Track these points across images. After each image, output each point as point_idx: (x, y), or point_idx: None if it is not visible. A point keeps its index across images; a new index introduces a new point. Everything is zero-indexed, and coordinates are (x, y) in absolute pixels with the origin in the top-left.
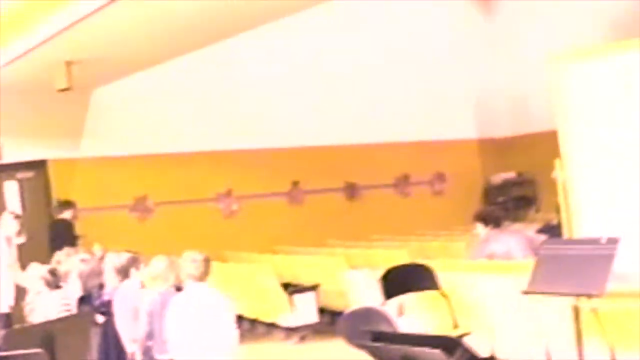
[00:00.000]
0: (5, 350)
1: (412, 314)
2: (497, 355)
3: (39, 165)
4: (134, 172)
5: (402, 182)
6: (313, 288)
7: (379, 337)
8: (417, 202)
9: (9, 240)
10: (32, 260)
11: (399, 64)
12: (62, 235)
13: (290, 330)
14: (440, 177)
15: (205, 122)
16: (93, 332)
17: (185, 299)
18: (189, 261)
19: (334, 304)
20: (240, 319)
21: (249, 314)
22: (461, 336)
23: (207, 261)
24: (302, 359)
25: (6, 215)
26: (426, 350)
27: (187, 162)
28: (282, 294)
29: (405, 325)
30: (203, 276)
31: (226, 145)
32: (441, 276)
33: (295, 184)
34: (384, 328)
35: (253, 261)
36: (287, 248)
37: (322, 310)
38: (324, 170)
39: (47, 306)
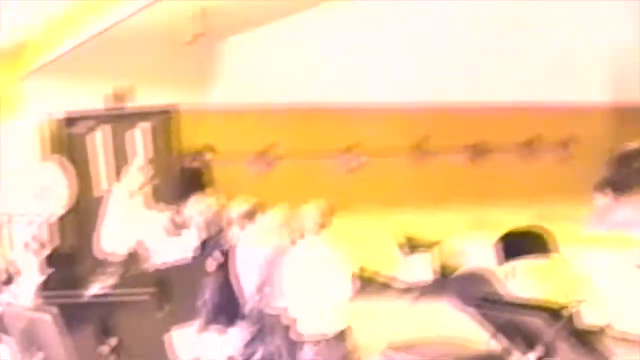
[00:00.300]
0: (120, 292)
1: (524, 278)
2: (611, 327)
3: (168, 112)
4: (261, 122)
5: (530, 145)
6: (430, 247)
7: (485, 300)
8: (544, 166)
9: (132, 192)
10: (157, 207)
11: (530, 20)
12: (192, 182)
13: (405, 288)
14: (569, 142)
15: (334, 75)
16: (211, 279)
17: (303, 250)
18: (310, 212)
19: (452, 263)
20: (355, 274)
21: (366, 268)
22: (574, 305)
23: (326, 214)
24: (415, 318)
25: (132, 167)
26: (529, 316)
27: (313, 115)
28: (399, 252)
29: (514, 289)
30: (322, 229)
31: (353, 99)
32: (559, 243)
33: (421, 141)
34: (492, 291)
35: (373, 217)
36: (409, 205)
37: (440, 270)
38: (451, 129)
39: (166, 251)
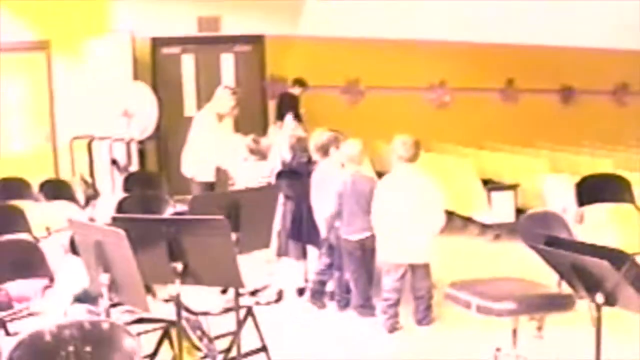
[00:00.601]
0: (191, 214)
1: (594, 223)
2: None
3: (256, 40)
4: (349, 54)
5: (621, 90)
6: (512, 187)
7: (551, 241)
8: (634, 112)
9: (220, 116)
10: (243, 133)
11: None
12: (288, 108)
13: (486, 227)
14: None
15: (423, 11)
16: (288, 206)
17: (394, 179)
18: (400, 143)
19: (532, 204)
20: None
21: (448, 205)
22: None
23: (417, 144)
24: (494, 256)
25: (222, 90)
26: (594, 259)
27: (403, 50)
28: (481, 190)
29: (583, 233)
30: (413, 158)
31: (443, 36)
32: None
33: (510, 81)
34: (560, 233)
35: (458, 154)
36: (495, 144)
37: (519, 210)
38: (541, 70)
39: (248, 176)
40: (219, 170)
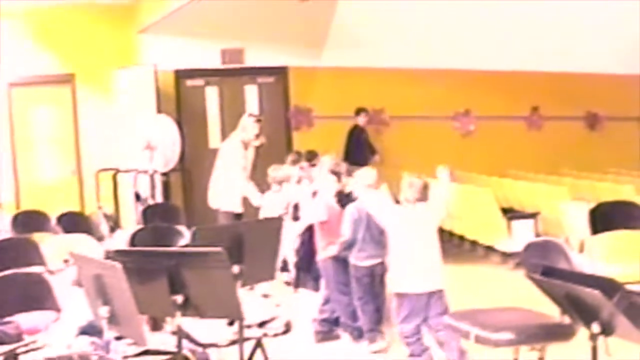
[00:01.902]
0: (193, 246)
1: (600, 251)
2: None
3: (279, 72)
4: (372, 84)
5: None
6: (533, 215)
7: (547, 271)
8: None
9: (245, 143)
10: (267, 163)
11: None
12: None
13: (507, 255)
14: None
15: (449, 40)
16: (300, 238)
17: (405, 210)
18: (407, 185)
19: (553, 232)
20: (461, 239)
21: (469, 235)
22: None
23: (425, 187)
24: (514, 284)
25: (246, 118)
26: (586, 289)
27: (426, 79)
28: (501, 219)
29: (582, 262)
30: (421, 199)
31: (467, 65)
32: None
33: (535, 109)
34: (560, 262)
35: (481, 183)
36: (519, 172)
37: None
38: (566, 97)
39: (271, 207)
40: (245, 201)
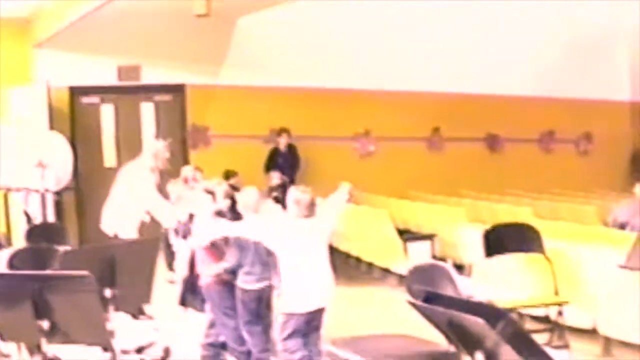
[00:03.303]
0: (61, 269)
1: (504, 274)
2: (599, 329)
3: (176, 89)
4: (271, 103)
5: (547, 138)
6: (429, 237)
7: (430, 297)
8: (560, 160)
9: (153, 170)
10: (164, 183)
11: (550, 13)
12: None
13: (403, 278)
14: (587, 137)
15: (348, 60)
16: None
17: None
18: (293, 202)
19: (451, 254)
20: (358, 261)
21: (366, 256)
22: (560, 304)
23: (312, 204)
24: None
25: (156, 144)
26: (470, 317)
27: (326, 99)
28: (398, 241)
29: (468, 286)
30: (308, 215)
31: (367, 85)
32: (551, 240)
33: (436, 130)
34: (445, 288)
35: (379, 204)
36: (418, 194)
37: (438, 260)
38: (466, 119)
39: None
40: (143, 226)
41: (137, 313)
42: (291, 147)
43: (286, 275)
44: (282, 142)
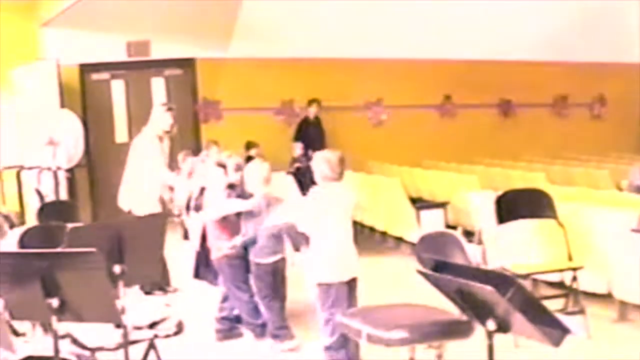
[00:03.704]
0: (69, 247)
1: (517, 240)
2: (614, 293)
3: (186, 64)
4: (282, 75)
5: (560, 103)
6: (442, 205)
7: (439, 266)
8: (574, 124)
9: (160, 137)
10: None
11: None
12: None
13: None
14: (601, 100)
15: (359, 29)
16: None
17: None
18: (322, 160)
19: (463, 222)
20: (372, 230)
21: (379, 226)
22: (574, 269)
23: (342, 161)
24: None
25: (158, 109)
26: (479, 285)
27: (336, 69)
28: (410, 209)
29: (477, 254)
30: (338, 178)
31: (378, 54)
32: (564, 205)
33: (448, 97)
34: (455, 256)
35: (391, 173)
36: (432, 162)
37: (451, 228)
38: (478, 85)
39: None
40: (163, 201)
41: (157, 289)
42: (317, 119)
43: (317, 243)
44: (312, 112)
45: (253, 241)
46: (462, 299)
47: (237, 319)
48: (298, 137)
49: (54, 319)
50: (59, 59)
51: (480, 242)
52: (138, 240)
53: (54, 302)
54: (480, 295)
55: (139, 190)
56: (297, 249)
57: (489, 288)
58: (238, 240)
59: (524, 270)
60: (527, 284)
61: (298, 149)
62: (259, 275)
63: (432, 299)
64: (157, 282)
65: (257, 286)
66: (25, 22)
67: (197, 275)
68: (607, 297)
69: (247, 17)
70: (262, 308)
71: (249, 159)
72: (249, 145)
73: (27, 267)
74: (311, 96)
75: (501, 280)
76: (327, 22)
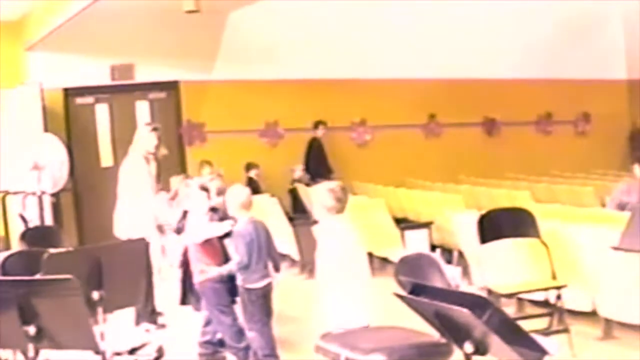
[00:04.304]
0: (46, 274)
1: (500, 260)
2: (599, 311)
3: (170, 87)
4: (265, 97)
5: (545, 120)
6: (426, 225)
7: (417, 288)
8: (559, 141)
9: (146, 158)
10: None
11: None
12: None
13: None
14: (585, 117)
15: (341, 50)
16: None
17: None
18: (325, 191)
19: (448, 242)
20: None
21: (365, 247)
22: (558, 288)
23: (345, 191)
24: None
25: (141, 129)
26: (455, 308)
27: (320, 90)
28: (395, 230)
29: (456, 276)
30: (341, 209)
31: (361, 74)
32: (549, 223)
33: (432, 116)
34: (434, 276)
35: (376, 193)
36: (416, 181)
37: (436, 248)
38: (462, 104)
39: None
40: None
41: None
42: (317, 140)
43: (327, 289)
44: (320, 133)
45: (247, 265)
46: (440, 321)
47: (220, 343)
48: (307, 158)
49: (30, 346)
50: (42, 83)
51: (458, 264)
52: (117, 266)
53: (31, 330)
54: (457, 318)
55: (133, 216)
56: (277, 270)
57: (465, 311)
58: (233, 265)
59: (508, 290)
60: (511, 304)
61: (298, 171)
62: (252, 300)
63: (419, 321)
64: (146, 312)
65: (249, 312)
66: (9, 46)
67: (183, 302)
68: (592, 315)
69: (231, 39)
70: (249, 333)
71: (249, 180)
72: (249, 167)
73: (3, 294)
74: (295, 117)
75: (478, 303)
76: (311, 44)
